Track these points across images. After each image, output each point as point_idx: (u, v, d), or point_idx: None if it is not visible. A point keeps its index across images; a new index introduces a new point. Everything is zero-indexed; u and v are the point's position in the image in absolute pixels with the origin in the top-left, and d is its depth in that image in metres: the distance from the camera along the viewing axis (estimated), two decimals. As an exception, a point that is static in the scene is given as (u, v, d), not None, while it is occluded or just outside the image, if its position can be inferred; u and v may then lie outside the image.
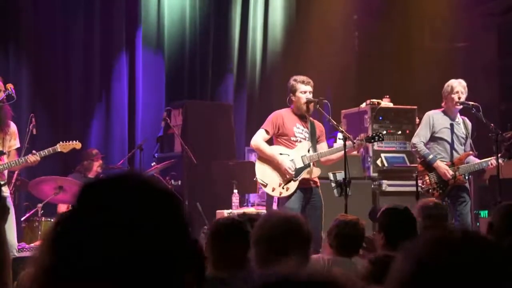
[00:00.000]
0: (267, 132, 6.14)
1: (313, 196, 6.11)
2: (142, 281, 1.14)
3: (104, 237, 1.14)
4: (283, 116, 6.17)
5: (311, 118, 6.33)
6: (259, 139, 6.13)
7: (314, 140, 6.23)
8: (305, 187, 6.09)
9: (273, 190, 6.07)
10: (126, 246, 1.14)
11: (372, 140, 6.25)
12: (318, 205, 6.08)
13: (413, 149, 6.74)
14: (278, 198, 6.14)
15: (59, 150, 6.38)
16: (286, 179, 6.05)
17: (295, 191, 6.05)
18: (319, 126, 6.38)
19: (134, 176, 1.24)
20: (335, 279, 1.07)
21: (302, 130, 6.19)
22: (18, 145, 6.28)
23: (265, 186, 6.10)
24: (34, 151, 6.16)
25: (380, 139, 6.24)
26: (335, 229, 3.84)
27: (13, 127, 6.26)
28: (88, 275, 1.13)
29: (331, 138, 7.92)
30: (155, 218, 1.18)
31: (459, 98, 6.54)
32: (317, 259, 3.78)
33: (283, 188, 6.06)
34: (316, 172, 6.17)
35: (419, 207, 4.47)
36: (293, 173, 6.04)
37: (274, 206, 6.18)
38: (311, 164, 6.12)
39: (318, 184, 6.20)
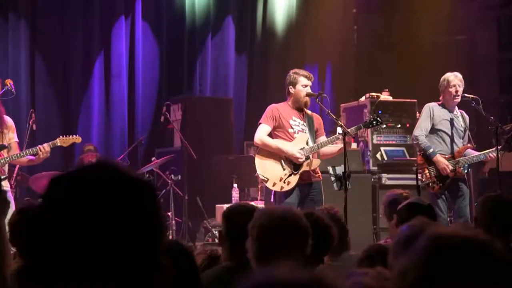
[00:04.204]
0: (267, 126, 6.12)
1: (312, 190, 6.10)
2: (114, 277, 1.09)
3: (71, 234, 1.09)
4: (279, 108, 6.17)
5: (308, 111, 6.31)
6: (261, 134, 6.11)
7: (312, 132, 6.22)
8: (304, 182, 6.08)
9: (274, 185, 6.06)
10: (94, 242, 1.08)
11: (370, 126, 6.21)
12: (317, 199, 6.05)
13: (415, 142, 6.73)
14: (276, 193, 6.14)
15: (59, 144, 6.32)
16: (297, 164, 6.03)
17: (295, 186, 6.05)
18: (317, 119, 6.35)
19: (103, 166, 1.18)
20: (319, 279, 1.05)
21: (299, 123, 6.17)
22: (16, 138, 6.26)
23: (266, 181, 6.09)
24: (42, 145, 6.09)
25: (378, 123, 6.18)
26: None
27: (9, 121, 6.24)
28: (61, 275, 1.08)
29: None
30: (123, 211, 1.12)
31: (456, 91, 6.54)
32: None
33: (284, 182, 6.05)
34: (316, 163, 6.15)
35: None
36: (303, 157, 6.03)
37: (272, 201, 6.18)
38: (310, 156, 6.12)
39: (320, 178, 6.17)
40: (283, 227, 2.36)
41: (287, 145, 6.06)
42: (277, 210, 2.45)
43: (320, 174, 6.18)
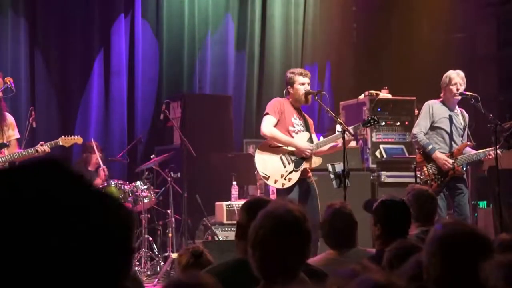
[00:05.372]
0: (274, 118, 6.13)
1: (310, 187, 6.16)
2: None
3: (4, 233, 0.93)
4: (284, 103, 6.21)
5: (303, 112, 6.39)
6: (270, 126, 6.11)
7: (309, 132, 6.28)
8: (302, 177, 6.13)
9: (275, 182, 6.09)
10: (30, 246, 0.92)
11: (368, 125, 6.26)
12: (314, 194, 6.14)
13: (413, 139, 6.75)
14: (277, 190, 6.17)
15: (61, 144, 6.40)
16: (296, 160, 6.09)
17: (296, 182, 6.08)
18: (310, 119, 6.43)
19: (49, 164, 1.02)
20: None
21: (299, 122, 6.23)
22: (17, 135, 6.29)
23: (267, 178, 6.11)
24: (42, 142, 6.18)
25: (376, 122, 6.25)
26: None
27: (10, 118, 6.27)
28: None
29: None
30: (65, 213, 0.96)
31: (457, 89, 6.55)
32: None
33: (285, 179, 6.09)
34: (317, 161, 6.21)
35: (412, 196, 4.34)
36: (313, 148, 6.06)
37: (273, 197, 6.20)
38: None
39: (311, 174, 6.25)
40: (284, 233, 2.32)
41: (297, 139, 6.11)
42: (276, 213, 2.37)
43: (309, 170, 6.26)
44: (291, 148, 6.12)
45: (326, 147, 6.23)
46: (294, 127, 6.19)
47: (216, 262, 3.24)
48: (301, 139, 6.17)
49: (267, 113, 6.16)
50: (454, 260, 2.15)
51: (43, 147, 6.11)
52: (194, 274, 1.59)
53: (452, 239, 2.20)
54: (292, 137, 6.16)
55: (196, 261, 3.27)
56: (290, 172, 6.09)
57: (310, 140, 6.24)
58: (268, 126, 6.10)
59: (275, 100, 6.26)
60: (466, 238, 2.19)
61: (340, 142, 6.04)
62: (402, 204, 3.64)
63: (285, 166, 6.10)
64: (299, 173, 6.10)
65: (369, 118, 6.23)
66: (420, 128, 6.62)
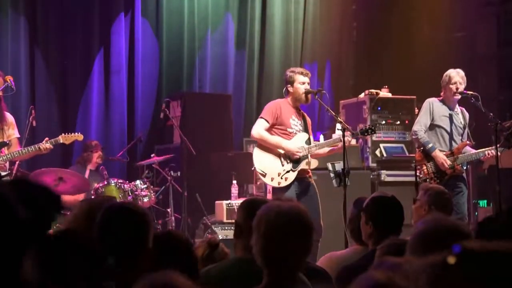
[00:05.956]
0: (267, 121, 6.15)
1: (309, 186, 6.16)
2: None
3: None
4: (281, 106, 6.21)
5: (302, 111, 6.39)
6: (260, 129, 6.15)
7: (307, 132, 6.28)
8: (301, 177, 6.14)
9: (272, 180, 6.11)
10: None
11: (366, 133, 6.28)
12: (313, 193, 6.14)
13: (414, 137, 6.75)
14: (273, 189, 6.18)
15: (61, 141, 6.41)
16: (294, 160, 6.09)
17: (293, 182, 6.09)
18: (309, 119, 6.44)
19: None
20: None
21: (297, 123, 6.23)
22: (17, 134, 6.32)
23: (264, 176, 6.13)
24: (47, 138, 6.21)
25: (373, 132, 6.28)
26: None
27: (10, 117, 6.29)
28: None
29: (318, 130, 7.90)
30: None
31: (457, 88, 6.55)
32: None
33: (281, 178, 6.09)
34: (314, 163, 6.21)
35: (428, 194, 4.25)
36: (302, 153, 6.07)
37: (269, 196, 6.22)
38: (309, 155, 6.16)
39: (311, 174, 6.26)
40: (290, 224, 2.34)
41: (286, 141, 6.11)
42: (283, 206, 2.39)
43: (310, 171, 6.27)
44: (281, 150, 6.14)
45: (325, 150, 6.22)
46: (292, 128, 6.19)
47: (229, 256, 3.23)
48: (298, 141, 6.17)
49: (261, 117, 6.21)
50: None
51: (46, 145, 6.12)
52: (167, 273, 1.59)
53: (433, 234, 2.17)
54: (290, 138, 6.17)
55: (212, 252, 3.23)
56: (287, 172, 6.11)
57: (309, 141, 6.25)
58: (257, 128, 6.16)
59: (272, 104, 6.27)
60: (447, 233, 2.15)
61: (338, 145, 6.06)
62: (394, 200, 3.50)
63: (283, 165, 6.12)
64: (296, 173, 6.11)
65: (367, 127, 6.25)
66: (420, 125, 6.62)
